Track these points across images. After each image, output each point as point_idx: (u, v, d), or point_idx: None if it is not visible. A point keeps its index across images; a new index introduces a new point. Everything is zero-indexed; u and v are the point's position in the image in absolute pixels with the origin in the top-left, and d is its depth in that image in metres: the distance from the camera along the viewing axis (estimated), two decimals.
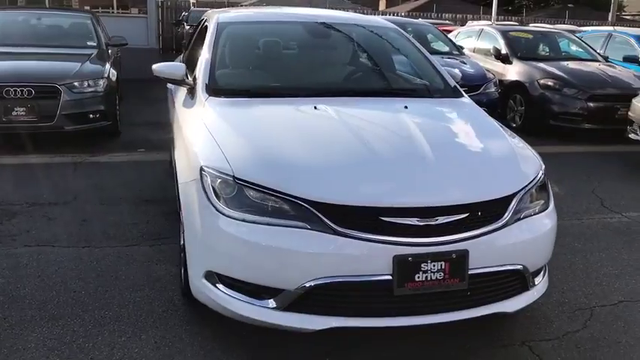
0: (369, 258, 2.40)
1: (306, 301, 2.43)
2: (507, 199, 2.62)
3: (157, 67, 3.75)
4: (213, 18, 4.09)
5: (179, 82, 3.69)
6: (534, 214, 2.72)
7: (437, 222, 2.45)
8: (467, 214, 2.49)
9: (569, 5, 39.94)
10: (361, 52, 4.10)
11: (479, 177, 2.69)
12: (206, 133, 2.97)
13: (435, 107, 3.49)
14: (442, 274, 2.43)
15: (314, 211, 2.41)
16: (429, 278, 2.43)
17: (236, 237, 2.48)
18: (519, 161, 2.89)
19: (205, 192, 2.61)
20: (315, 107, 3.20)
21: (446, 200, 2.49)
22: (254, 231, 2.46)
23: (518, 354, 2.83)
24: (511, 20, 25.45)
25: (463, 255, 2.46)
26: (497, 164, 2.86)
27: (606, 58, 9.36)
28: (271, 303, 2.49)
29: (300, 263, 2.41)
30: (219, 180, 2.59)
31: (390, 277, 2.39)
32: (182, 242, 3.00)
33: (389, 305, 2.46)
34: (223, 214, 2.52)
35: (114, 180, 5.39)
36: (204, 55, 3.66)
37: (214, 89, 3.41)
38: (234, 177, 2.55)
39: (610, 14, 31.02)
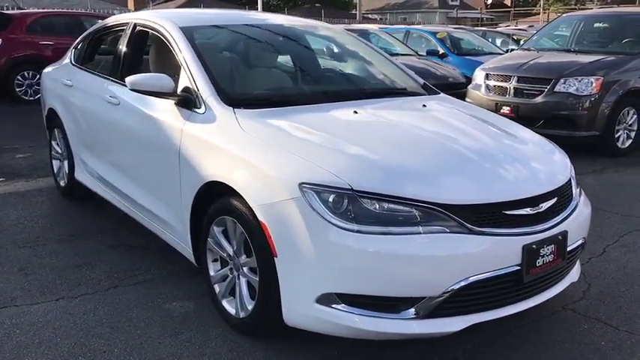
0: (504, 251, 2.49)
1: (446, 304, 2.43)
2: (570, 181, 2.92)
3: (136, 79, 3.26)
4: (164, 23, 3.67)
5: (167, 96, 3.26)
6: (580, 191, 3.07)
7: (542, 209, 2.63)
8: (556, 198, 2.72)
9: (317, 5, 43.07)
10: (341, 56, 4.05)
11: (548, 164, 2.94)
12: (263, 146, 2.74)
13: (445, 104, 3.63)
14: (553, 256, 2.64)
15: (448, 214, 2.41)
16: (545, 262, 2.61)
17: (368, 252, 2.36)
18: (555, 146, 3.21)
19: (315, 209, 2.42)
20: (355, 112, 3.13)
21: (543, 188, 2.69)
22: (387, 242, 2.37)
23: (568, 317, 3.15)
24: None
25: (564, 235, 2.69)
26: (549, 150, 3.14)
27: (417, 52, 10.43)
28: (410, 313, 2.43)
29: (444, 267, 2.40)
30: (333, 194, 2.43)
31: (518, 267, 2.52)
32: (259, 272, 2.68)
33: (517, 293, 2.59)
34: (348, 230, 2.38)
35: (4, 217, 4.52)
36: (193, 64, 3.28)
37: (231, 100, 3.10)
38: (352, 189, 2.42)
39: (357, 13, 34.36)
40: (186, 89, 3.24)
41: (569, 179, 2.93)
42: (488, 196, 2.52)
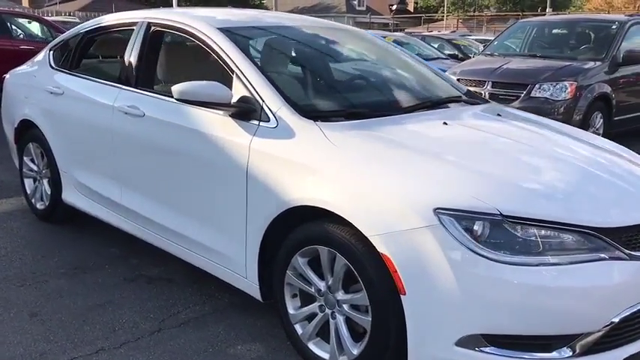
0: None
1: (604, 338, 2.19)
2: None
3: (186, 88, 2.80)
4: (196, 24, 3.21)
5: (222, 107, 2.82)
6: None
7: None
8: None
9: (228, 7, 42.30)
10: (388, 62, 3.70)
11: None
12: (369, 164, 2.40)
13: (517, 113, 3.40)
14: None
15: (606, 239, 2.18)
16: None
17: (521, 285, 2.08)
18: None
19: (457, 238, 2.11)
20: (445, 123, 2.83)
21: None
22: (542, 274, 2.10)
23: None
24: None
25: None
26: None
27: None
28: (565, 352, 2.17)
29: (607, 298, 2.16)
30: (477, 221, 2.12)
31: None
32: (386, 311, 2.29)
33: None
34: (497, 261, 2.09)
35: None
36: (250, 71, 2.85)
37: (306, 112, 2.71)
38: (501, 215, 2.12)
39: None
40: (244, 99, 2.81)
41: None
42: (637, 217, 2.31)
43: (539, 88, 6.93)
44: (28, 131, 4.35)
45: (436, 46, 13.61)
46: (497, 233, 2.13)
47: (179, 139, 3.03)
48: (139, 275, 3.52)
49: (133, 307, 3.14)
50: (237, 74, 2.89)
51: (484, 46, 10.13)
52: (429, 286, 2.15)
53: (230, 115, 2.83)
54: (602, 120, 7.34)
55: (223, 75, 3.05)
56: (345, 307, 2.46)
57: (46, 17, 14.22)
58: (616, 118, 7.47)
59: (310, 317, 2.61)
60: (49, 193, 4.22)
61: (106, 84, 3.63)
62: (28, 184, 4.49)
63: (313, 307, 2.59)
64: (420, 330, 2.21)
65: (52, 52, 4.29)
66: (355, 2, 59.34)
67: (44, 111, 4.07)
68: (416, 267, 2.17)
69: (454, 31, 25.37)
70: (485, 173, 2.36)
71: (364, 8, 59.98)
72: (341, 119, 2.70)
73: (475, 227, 2.13)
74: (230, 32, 3.11)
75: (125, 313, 3.08)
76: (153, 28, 3.48)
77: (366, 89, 3.24)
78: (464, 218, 2.13)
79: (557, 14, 44.86)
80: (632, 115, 7.73)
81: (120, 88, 3.47)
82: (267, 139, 2.67)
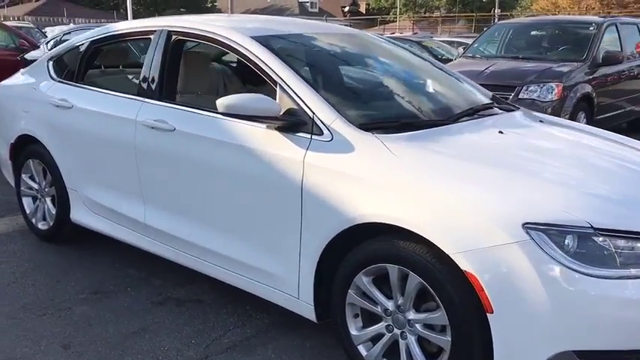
0: None
1: None
2: None
3: (233, 101, 2.66)
4: (228, 33, 3.06)
5: (269, 120, 2.69)
6: None
7: None
8: None
9: (182, 10, 41.65)
10: (417, 69, 3.61)
11: None
12: (442, 178, 2.32)
13: (551, 118, 3.37)
14: None
15: None
16: None
17: (618, 299, 2.04)
18: None
19: (548, 254, 2.05)
20: (501, 132, 2.77)
21: None
22: (632, 286, 2.06)
23: None
24: None
25: None
26: None
27: None
28: None
29: None
30: (569, 235, 2.07)
31: None
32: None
33: None
34: (593, 276, 2.04)
35: None
36: (296, 82, 2.72)
37: (361, 124, 2.61)
38: (592, 228, 2.07)
39: None
40: (291, 112, 2.69)
41: None
42: None
43: (527, 89, 6.99)
44: (26, 147, 4.09)
45: None
46: (587, 246, 2.08)
47: (217, 155, 2.88)
48: (166, 298, 3.35)
49: (170, 332, 2.97)
50: (281, 86, 2.76)
51: (464, 49, 10.21)
52: (519, 303, 2.09)
53: (276, 129, 2.70)
54: (585, 120, 7.47)
55: (262, 86, 2.93)
56: (418, 326, 2.37)
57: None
58: (597, 117, 7.62)
59: (376, 338, 2.51)
60: (53, 212, 3.98)
61: (123, 97, 3.44)
62: (27, 203, 4.23)
63: (380, 327, 2.49)
64: (508, 349, 2.14)
65: (51, 62, 4.05)
66: (308, 4, 59.43)
67: (48, 125, 3.83)
68: (504, 284, 2.10)
69: (416, 33, 25.65)
70: (567, 184, 2.32)
71: (317, 10, 60.15)
72: (395, 131, 2.60)
73: (566, 241, 2.07)
74: (265, 41, 2.98)
75: (164, 339, 2.91)
76: (174, 37, 3.30)
77: (408, 99, 3.15)
78: (554, 232, 2.08)
79: (506, 14, 46.08)
80: (611, 114, 7.91)
81: (142, 101, 3.29)
82: (323, 153, 2.55)
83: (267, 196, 2.71)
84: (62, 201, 3.87)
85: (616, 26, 8.17)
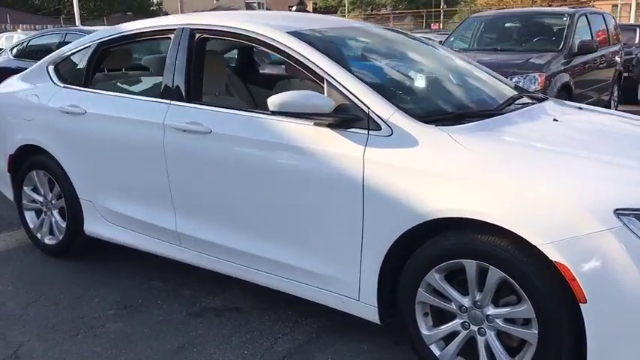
0: None
1: None
2: None
3: (287, 99, 2.55)
4: (261, 29, 2.94)
5: (321, 117, 2.58)
6: None
7: None
8: None
9: (128, 14, 40.77)
10: (449, 62, 3.55)
11: None
12: (519, 167, 2.26)
13: (589, 107, 3.37)
14: None
15: None
16: None
17: None
18: None
19: None
20: (555, 119, 2.74)
21: None
22: None
23: None
24: None
25: None
26: None
27: None
28: None
29: None
30: None
31: None
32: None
33: None
34: None
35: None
36: (346, 77, 2.63)
37: (421, 117, 2.53)
38: None
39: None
40: (343, 108, 2.59)
41: None
42: None
43: (511, 80, 7.07)
44: (28, 158, 3.86)
45: None
46: None
47: (264, 156, 2.76)
48: (202, 308, 3.20)
49: (218, 344, 2.83)
50: (329, 82, 2.65)
51: (440, 42, 10.26)
52: (614, 291, 2.05)
53: (327, 125, 2.60)
54: None
55: (303, 82, 2.82)
56: (499, 321, 2.31)
57: None
58: None
59: (449, 336, 2.44)
60: (63, 225, 3.75)
61: (145, 100, 3.27)
62: (30, 217, 3.99)
63: (454, 325, 2.42)
64: (603, 338, 2.10)
65: (52, 67, 3.82)
66: (255, 4, 59.02)
67: (57, 134, 3.61)
68: (597, 273, 2.07)
69: None
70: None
71: (264, 10, 59.88)
72: (453, 123, 2.54)
73: None
74: (303, 37, 2.88)
75: (215, 352, 2.77)
76: (199, 35, 3.15)
77: (452, 90, 3.10)
78: None
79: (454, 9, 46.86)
80: (588, 102, 8.09)
81: (167, 103, 3.12)
82: (384, 148, 2.47)
83: (323, 195, 2.60)
84: (74, 213, 3.66)
85: (586, 16, 8.36)
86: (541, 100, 3.27)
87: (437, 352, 2.47)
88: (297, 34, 2.88)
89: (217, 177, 2.93)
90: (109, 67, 3.82)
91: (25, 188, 3.94)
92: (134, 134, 3.22)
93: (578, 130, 2.74)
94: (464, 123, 2.55)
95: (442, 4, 48.79)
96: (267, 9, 60.08)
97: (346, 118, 2.57)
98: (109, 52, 3.66)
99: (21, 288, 3.48)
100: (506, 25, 8.69)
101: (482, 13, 9.76)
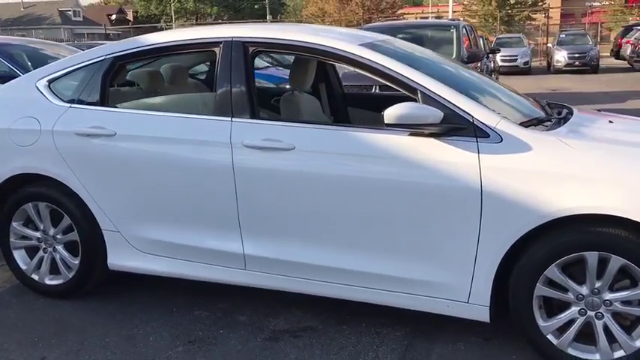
0: None
1: None
2: None
3: (404, 110, 2.57)
4: (332, 43, 2.93)
5: (429, 127, 2.64)
6: None
7: None
8: None
9: None
10: (473, 72, 3.71)
11: None
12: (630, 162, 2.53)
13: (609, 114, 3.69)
14: None
15: None
16: None
17: None
18: None
19: None
20: (611, 121, 3.06)
21: None
22: None
23: None
24: None
25: None
26: None
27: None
28: None
29: None
30: None
31: None
32: None
33: None
34: None
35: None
36: (440, 87, 2.72)
37: (521, 123, 2.71)
38: None
39: None
40: (445, 118, 2.69)
41: None
42: None
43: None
44: (19, 190, 3.38)
45: None
46: None
47: (364, 170, 2.75)
48: (273, 332, 3.06)
49: None
50: (423, 93, 2.73)
51: None
52: None
53: (429, 135, 2.67)
54: None
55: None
56: (617, 304, 2.55)
57: None
58: None
59: (566, 324, 2.64)
60: (75, 262, 3.34)
61: (195, 118, 3.06)
62: (21, 256, 3.48)
63: (571, 313, 2.62)
64: None
65: (50, 84, 3.38)
66: (70, 13, 55.31)
67: (75, 159, 3.20)
68: None
69: None
70: None
71: (81, 19, 56.37)
72: (548, 127, 2.77)
73: None
74: (376, 48, 2.92)
75: None
76: (253, 48, 3.03)
77: (510, 99, 3.29)
78: None
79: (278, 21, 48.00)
80: None
81: (229, 121, 2.96)
82: (498, 154, 2.59)
83: (435, 205, 2.66)
84: (91, 247, 3.28)
85: (466, 28, 9.20)
86: (563, 106, 3.59)
87: (555, 341, 2.65)
88: (369, 47, 2.91)
89: (305, 194, 2.84)
90: (132, 82, 3.48)
91: (14, 224, 3.43)
92: (188, 155, 2.99)
93: (633, 130, 3.09)
94: (554, 128, 2.78)
95: (268, 15, 49.80)
96: (85, 18, 56.70)
97: (450, 127, 2.66)
98: (126, 67, 3.34)
99: (53, 334, 3.04)
100: (399, 36, 9.22)
101: (375, 24, 10.27)
